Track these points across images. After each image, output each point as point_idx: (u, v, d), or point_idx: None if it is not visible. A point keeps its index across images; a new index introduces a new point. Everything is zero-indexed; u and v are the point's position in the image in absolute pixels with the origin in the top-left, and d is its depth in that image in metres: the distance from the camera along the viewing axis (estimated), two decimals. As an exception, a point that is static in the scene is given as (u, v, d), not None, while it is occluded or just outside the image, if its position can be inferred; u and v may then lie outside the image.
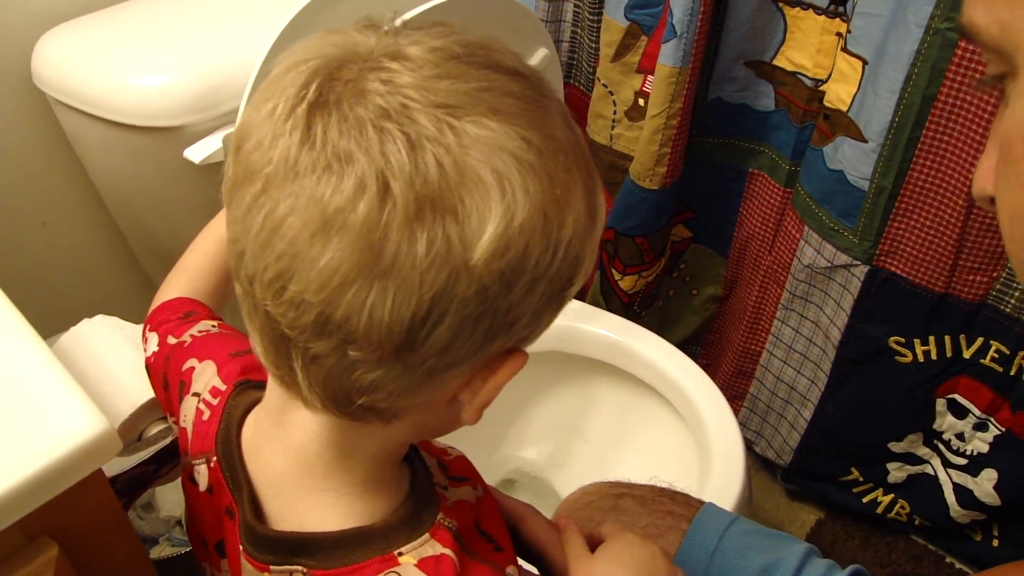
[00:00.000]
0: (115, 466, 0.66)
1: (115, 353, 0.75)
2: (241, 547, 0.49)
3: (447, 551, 0.46)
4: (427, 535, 0.47)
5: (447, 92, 0.37)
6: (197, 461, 0.55)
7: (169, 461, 0.73)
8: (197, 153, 0.89)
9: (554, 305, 0.42)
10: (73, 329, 0.78)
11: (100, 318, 0.79)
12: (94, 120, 0.91)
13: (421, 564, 0.45)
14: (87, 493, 0.49)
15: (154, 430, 0.70)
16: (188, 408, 0.57)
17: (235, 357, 0.58)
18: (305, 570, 0.46)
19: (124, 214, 1.07)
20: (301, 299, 0.37)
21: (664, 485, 0.78)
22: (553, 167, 0.39)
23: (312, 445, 0.47)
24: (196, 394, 0.57)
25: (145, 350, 0.64)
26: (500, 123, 0.37)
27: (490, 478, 1.24)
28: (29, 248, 1.08)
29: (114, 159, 0.97)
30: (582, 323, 1.14)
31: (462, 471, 0.56)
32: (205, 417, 0.55)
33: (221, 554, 0.53)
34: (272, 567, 0.47)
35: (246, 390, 0.54)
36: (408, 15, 0.89)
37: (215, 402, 0.55)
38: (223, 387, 0.56)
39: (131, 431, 0.67)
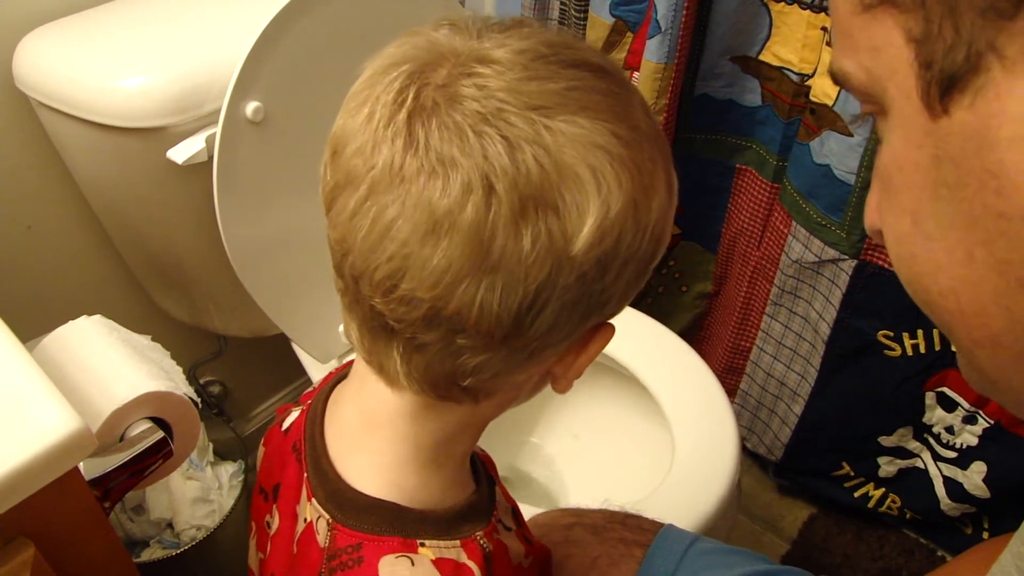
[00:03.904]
0: (97, 467, 0.65)
1: (101, 353, 0.74)
2: (306, 474, 0.51)
3: (472, 564, 0.47)
4: (457, 542, 0.48)
5: (539, 94, 0.39)
6: (296, 408, 0.59)
7: (154, 461, 0.73)
8: (180, 154, 0.88)
9: (640, 279, 0.45)
10: (60, 329, 0.77)
11: (90, 319, 0.78)
12: (76, 122, 0.90)
13: (438, 563, 0.46)
14: (63, 493, 0.49)
15: (137, 430, 0.69)
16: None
17: None
18: (331, 520, 0.48)
19: (109, 216, 1.06)
20: (412, 296, 0.40)
21: (617, 507, 0.76)
22: (640, 157, 0.41)
23: (387, 412, 0.48)
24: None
25: None
26: (590, 120, 0.39)
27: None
28: (15, 251, 1.08)
29: (97, 161, 0.96)
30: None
31: (528, 536, 0.57)
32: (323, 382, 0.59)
33: (276, 498, 0.56)
34: (314, 500, 0.49)
35: None
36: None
37: (334, 371, 0.59)
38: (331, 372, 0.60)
39: (112, 431, 0.67)
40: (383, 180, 0.39)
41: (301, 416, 0.56)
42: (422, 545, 0.47)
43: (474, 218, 0.38)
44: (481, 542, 0.48)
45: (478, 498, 0.52)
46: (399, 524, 0.47)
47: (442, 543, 0.47)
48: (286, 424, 0.58)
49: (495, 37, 0.41)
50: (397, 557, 0.46)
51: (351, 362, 0.58)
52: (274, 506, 0.56)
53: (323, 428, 0.52)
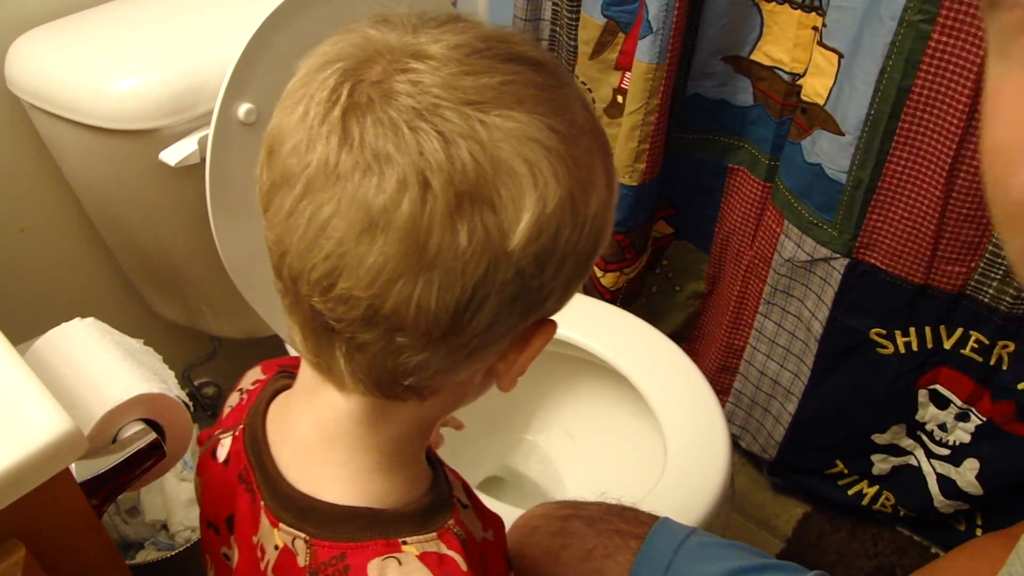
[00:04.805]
0: (90, 468, 0.65)
1: (94, 355, 0.74)
2: (263, 502, 0.50)
3: (453, 554, 0.47)
4: (434, 535, 0.48)
5: (474, 88, 0.38)
6: (224, 435, 0.57)
7: (147, 463, 0.73)
8: (172, 156, 0.89)
9: (580, 275, 0.45)
10: (53, 331, 0.77)
11: (83, 321, 0.78)
12: (69, 124, 0.91)
13: (423, 557, 0.46)
14: (54, 494, 0.49)
15: (129, 431, 0.69)
16: (232, 401, 0.61)
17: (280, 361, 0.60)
18: (307, 538, 0.47)
19: (103, 217, 1.07)
20: (350, 295, 0.39)
21: (614, 500, 0.76)
22: (577, 152, 0.41)
23: (341, 420, 0.48)
24: (240, 389, 0.61)
25: None
26: (526, 114, 0.39)
27: (476, 477, 1.24)
28: (8, 254, 1.08)
29: (90, 163, 0.96)
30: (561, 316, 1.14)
31: (481, 510, 0.58)
32: (243, 401, 0.58)
33: (231, 530, 0.55)
34: (282, 525, 0.48)
35: (284, 377, 0.56)
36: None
37: (253, 388, 0.58)
38: (263, 376, 0.59)
39: (105, 433, 0.67)
40: (318, 178, 0.39)
41: (236, 443, 0.55)
42: (404, 543, 0.47)
43: (410, 215, 0.37)
44: (455, 530, 0.49)
45: (439, 483, 0.52)
46: (378, 527, 0.47)
47: (421, 538, 0.47)
48: (222, 454, 0.57)
49: (430, 32, 0.41)
50: (384, 559, 0.46)
51: (263, 383, 0.58)
52: (231, 538, 0.55)
53: (269, 451, 0.52)
